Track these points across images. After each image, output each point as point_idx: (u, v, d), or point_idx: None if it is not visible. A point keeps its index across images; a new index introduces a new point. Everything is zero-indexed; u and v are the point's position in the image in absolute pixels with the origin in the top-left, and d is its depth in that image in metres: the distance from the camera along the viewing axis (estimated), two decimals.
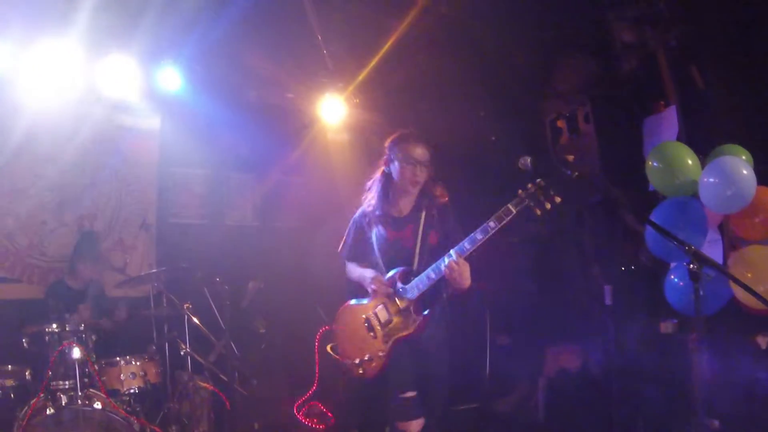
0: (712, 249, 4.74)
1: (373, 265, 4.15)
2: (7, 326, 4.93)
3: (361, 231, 4.24)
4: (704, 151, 4.70)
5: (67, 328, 4.57)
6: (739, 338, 4.91)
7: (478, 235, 3.76)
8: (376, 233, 4.17)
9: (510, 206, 3.69)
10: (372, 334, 4.06)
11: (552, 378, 6.02)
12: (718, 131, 5.00)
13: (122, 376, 4.86)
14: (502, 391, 6.19)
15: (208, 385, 5.35)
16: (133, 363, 4.92)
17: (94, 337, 4.69)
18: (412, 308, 3.98)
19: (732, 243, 4.79)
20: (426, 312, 3.97)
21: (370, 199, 4.22)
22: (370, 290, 4.11)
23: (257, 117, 6.01)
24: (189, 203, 5.78)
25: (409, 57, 6.01)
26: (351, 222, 4.31)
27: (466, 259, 3.83)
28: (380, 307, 4.06)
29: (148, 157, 5.58)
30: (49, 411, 4.30)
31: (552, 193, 3.64)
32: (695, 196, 4.52)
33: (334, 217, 6.36)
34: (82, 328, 4.61)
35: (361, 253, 4.24)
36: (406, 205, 4.15)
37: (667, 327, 5.21)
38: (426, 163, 4.06)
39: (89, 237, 5.42)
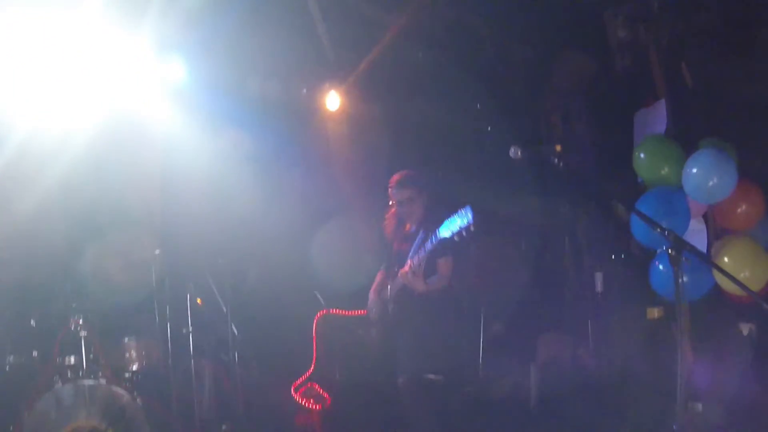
0: (697, 239, 4.90)
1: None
2: (14, 307, 5.05)
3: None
4: (690, 145, 4.86)
5: (73, 307, 4.73)
6: (721, 326, 5.08)
7: (428, 245, 4.57)
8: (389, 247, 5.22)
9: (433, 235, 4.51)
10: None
11: (544, 364, 6.17)
12: (704, 126, 5.18)
13: (126, 356, 5.03)
14: (495, 378, 6.33)
15: (209, 366, 5.51)
16: (137, 343, 5.10)
17: (99, 317, 4.84)
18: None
19: (716, 233, 4.96)
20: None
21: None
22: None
23: (260, 108, 6.14)
24: (193, 193, 5.90)
25: (408, 51, 6.16)
26: None
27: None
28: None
29: (152, 146, 5.71)
30: (56, 386, 4.45)
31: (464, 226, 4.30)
32: (679, 186, 4.69)
33: (332, 207, 6.54)
34: (88, 307, 4.77)
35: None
36: (413, 226, 5.02)
37: (653, 313, 5.37)
38: (405, 201, 4.94)
39: (93, 223, 5.55)
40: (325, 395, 6.10)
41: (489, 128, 6.24)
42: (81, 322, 4.68)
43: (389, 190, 5.02)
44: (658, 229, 3.23)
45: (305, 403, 6.00)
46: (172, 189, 5.87)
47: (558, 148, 3.22)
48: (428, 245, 4.56)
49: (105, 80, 5.22)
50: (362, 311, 5.34)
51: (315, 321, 5.60)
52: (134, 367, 5.04)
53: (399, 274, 4.82)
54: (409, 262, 4.72)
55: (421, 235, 4.82)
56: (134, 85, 5.38)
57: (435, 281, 4.77)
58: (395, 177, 5.01)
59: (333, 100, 6.62)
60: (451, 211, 4.43)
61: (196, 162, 5.60)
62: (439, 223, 4.50)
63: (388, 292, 5.01)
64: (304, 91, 6.52)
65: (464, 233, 4.31)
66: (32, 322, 4.94)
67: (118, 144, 5.42)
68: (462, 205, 4.36)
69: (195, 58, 5.66)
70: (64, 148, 5.27)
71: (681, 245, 3.16)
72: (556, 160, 3.33)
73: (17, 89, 5.06)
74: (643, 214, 3.28)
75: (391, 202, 5.07)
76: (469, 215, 4.28)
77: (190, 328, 5.37)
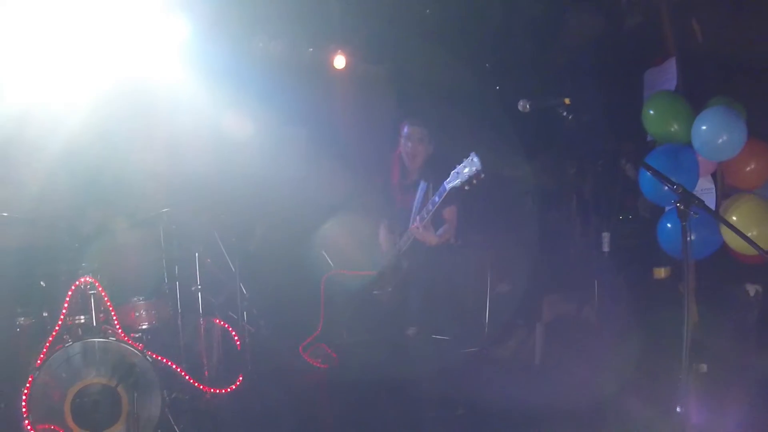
0: (706, 197, 4.88)
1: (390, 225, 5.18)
2: (23, 269, 5.07)
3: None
4: (700, 103, 4.83)
5: (83, 267, 4.76)
6: (728, 286, 5.09)
7: (436, 198, 4.56)
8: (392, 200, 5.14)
9: (444, 184, 4.46)
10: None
11: (549, 323, 6.20)
12: (714, 84, 5.13)
13: (135, 314, 5.07)
14: (502, 338, 6.38)
15: (219, 322, 5.55)
16: (146, 302, 5.13)
17: (108, 277, 4.87)
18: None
19: (725, 192, 4.95)
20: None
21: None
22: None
23: (266, 67, 6.11)
24: (198, 150, 5.89)
25: (416, 9, 6.09)
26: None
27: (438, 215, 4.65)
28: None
29: (158, 106, 5.68)
30: (66, 345, 4.48)
31: (474, 174, 4.27)
32: (689, 143, 4.67)
33: (339, 167, 6.52)
34: (96, 266, 4.79)
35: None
36: (412, 175, 5.04)
37: (659, 273, 5.38)
38: (416, 138, 4.95)
39: (100, 182, 5.56)
40: (333, 355, 6.16)
41: (497, 87, 6.19)
42: (90, 281, 4.69)
43: (402, 126, 5.03)
44: (667, 184, 3.22)
45: (313, 363, 6.06)
46: (178, 148, 5.85)
47: (567, 101, 3.17)
48: (436, 198, 4.56)
49: (110, 40, 5.18)
50: (370, 272, 5.36)
51: (322, 281, 5.62)
52: (144, 326, 5.08)
53: (411, 229, 4.82)
54: (417, 218, 4.74)
55: (422, 186, 4.85)
56: (139, 44, 5.33)
57: (443, 232, 4.83)
58: (412, 118, 5.06)
59: (339, 59, 6.59)
60: (453, 162, 4.43)
61: (202, 120, 5.58)
62: (441, 173, 4.51)
63: (399, 248, 5.00)
64: (310, 50, 6.47)
65: (474, 181, 4.30)
66: (42, 283, 4.96)
67: (123, 104, 5.38)
68: (465, 155, 4.37)
69: (200, 16, 5.61)
70: (69, 109, 5.25)
71: (690, 199, 3.15)
72: (565, 113, 3.30)
73: (22, 51, 5.04)
74: (653, 167, 3.26)
75: (401, 142, 5.05)
76: (476, 161, 4.27)
77: (199, 286, 5.41)
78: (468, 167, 4.31)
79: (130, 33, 5.28)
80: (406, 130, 5.03)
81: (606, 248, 5.78)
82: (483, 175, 4.24)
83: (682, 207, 3.14)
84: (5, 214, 4.83)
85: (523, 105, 3.33)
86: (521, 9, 6.12)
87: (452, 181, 4.41)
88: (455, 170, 4.39)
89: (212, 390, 5.18)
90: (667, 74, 5.47)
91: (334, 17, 6.21)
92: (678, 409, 3.44)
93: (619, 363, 5.31)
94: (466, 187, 4.33)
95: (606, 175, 6.03)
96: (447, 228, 4.85)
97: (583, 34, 6.01)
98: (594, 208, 6.23)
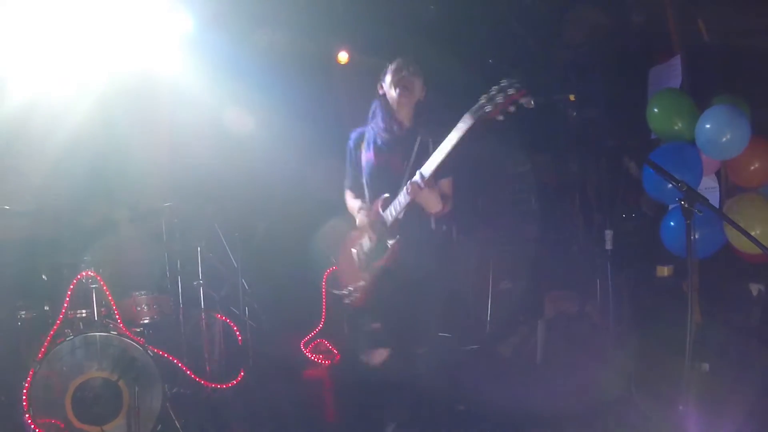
0: (710, 196, 4.88)
1: (362, 193, 4.20)
2: (25, 261, 5.07)
3: (350, 154, 4.27)
4: (705, 101, 4.81)
5: (84, 260, 4.76)
6: (732, 285, 5.07)
7: (455, 136, 3.62)
8: (364, 158, 4.17)
9: (467, 115, 3.57)
10: (357, 264, 4.17)
11: (550, 321, 6.19)
12: (719, 82, 5.11)
13: (137, 308, 5.07)
14: (504, 335, 6.37)
15: (220, 316, 5.55)
16: (147, 296, 5.13)
17: (110, 270, 4.87)
18: (387, 235, 3.95)
19: (728, 190, 4.93)
20: (395, 239, 3.90)
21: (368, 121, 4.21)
22: (357, 221, 4.18)
23: (268, 59, 6.10)
24: (201, 144, 5.89)
25: (420, 4, 6.08)
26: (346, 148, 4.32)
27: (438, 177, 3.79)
28: (365, 237, 4.12)
29: (160, 98, 5.68)
30: (67, 339, 4.48)
31: (514, 92, 3.43)
32: (693, 142, 4.66)
33: (341, 161, 6.50)
34: (98, 260, 4.79)
35: (355, 181, 4.26)
36: (400, 129, 4.06)
37: (662, 271, 5.36)
38: (408, 84, 4.00)
39: (103, 176, 5.56)
40: (334, 351, 6.17)
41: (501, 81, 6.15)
42: (92, 275, 4.69)
43: (392, 69, 4.06)
44: (672, 182, 3.22)
45: (314, 359, 6.07)
46: (181, 141, 5.85)
47: (572, 97, 3.15)
48: (455, 136, 3.62)
49: (113, 33, 5.19)
50: None
51: (324, 277, 5.61)
52: (145, 320, 5.08)
53: (408, 189, 3.79)
54: (418, 174, 3.76)
55: (419, 141, 3.94)
56: (143, 38, 5.34)
57: (444, 202, 3.95)
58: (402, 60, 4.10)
59: (342, 55, 6.59)
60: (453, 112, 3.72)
61: (205, 114, 5.57)
62: (441, 126, 3.73)
63: (388, 216, 3.94)
64: (314, 43, 6.46)
65: (515, 107, 3.45)
66: (43, 276, 4.97)
67: (127, 97, 5.40)
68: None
69: (203, 9, 5.61)
70: (72, 102, 5.26)
71: (694, 197, 3.15)
72: (569, 110, 3.29)
73: (25, 44, 5.04)
74: (657, 165, 3.26)
75: (382, 87, 4.14)
76: (516, 83, 3.44)
77: (201, 281, 5.40)
78: (503, 91, 3.46)
79: (134, 26, 5.29)
80: (393, 67, 4.06)
81: (609, 246, 5.76)
82: (531, 100, 3.42)
83: (686, 205, 3.14)
84: (7, 207, 4.83)
85: (527, 101, 3.31)
86: (525, 5, 6.10)
87: (479, 111, 3.53)
88: (483, 98, 3.53)
89: (214, 385, 5.19)
90: (672, 72, 5.44)
91: (338, 10, 6.20)
92: (680, 408, 3.45)
93: (621, 361, 5.31)
94: (500, 117, 3.47)
95: (609, 172, 6.00)
96: (445, 202, 3.93)
97: (588, 30, 5.99)
98: (597, 206, 6.21)
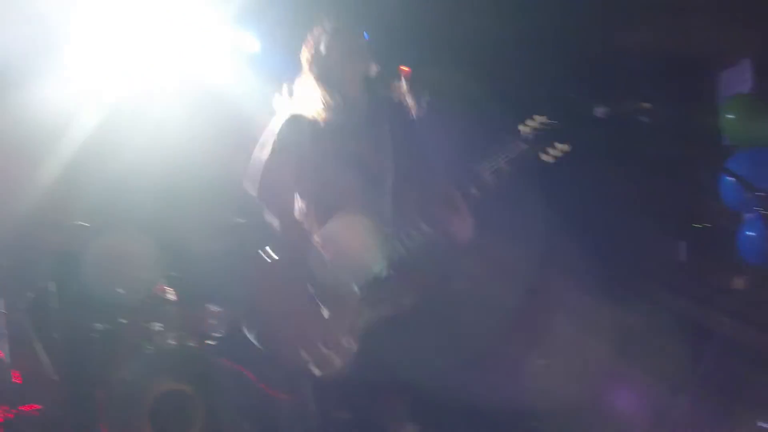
0: None
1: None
2: (101, 277, 5.20)
3: None
4: None
5: (160, 274, 4.88)
6: None
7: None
8: None
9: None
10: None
11: (620, 335, 6.05)
12: None
13: (209, 321, 5.15)
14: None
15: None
16: (219, 309, 5.21)
17: (184, 284, 4.98)
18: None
19: None
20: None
21: None
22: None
23: None
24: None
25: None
26: None
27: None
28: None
29: (231, 116, 5.78)
30: (143, 352, 4.59)
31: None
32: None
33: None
34: (173, 274, 4.90)
35: None
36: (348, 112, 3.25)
37: (740, 283, 5.22)
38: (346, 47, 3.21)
39: (175, 192, 5.69)
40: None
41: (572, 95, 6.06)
42: (167, 288, 4.80)
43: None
44: (751, 190, 3.13)
45: None
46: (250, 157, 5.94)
47: (646, 106, 3.09)
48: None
49: (185, 53, 5.34)
50: None
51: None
52: (217, 333, 5.16)
53: (438, 210, 2.85)
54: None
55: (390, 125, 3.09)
56: (213, 57, 5.47)
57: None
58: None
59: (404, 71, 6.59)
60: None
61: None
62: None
63: (394, 250, 2.91)
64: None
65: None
66: (119, 290, 5.10)
67: (196, 114, 5.52)
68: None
69: (270, 29, 5.72)
70: (142, 119, 5.41)
71: None
72: (643, 118, 3.24)
73: (97, 64, 5.22)
74: (736, 174, 3.18)
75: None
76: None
77: None
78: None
79: (203, 47, 5.43)
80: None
81: (682, 258, 5.63)
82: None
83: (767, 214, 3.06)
84: (85, 224, 4.99)
85: (600, 111, 3.27)
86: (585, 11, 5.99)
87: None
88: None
89: (283, 396, 5.22)
90: (742, 76, 5.32)
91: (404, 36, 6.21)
92: (763, 426, 3.34)
93: (697, 375, 5.17)
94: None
95: (680, 180, 5.87)
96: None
97: (651, 35, 5.87)
98: (668, 216, 6.07)
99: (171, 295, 4.83)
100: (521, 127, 2.99)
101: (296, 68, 5.66)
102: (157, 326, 4.83)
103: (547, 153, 3.00)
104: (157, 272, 4.97)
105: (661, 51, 5.90)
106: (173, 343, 4.64)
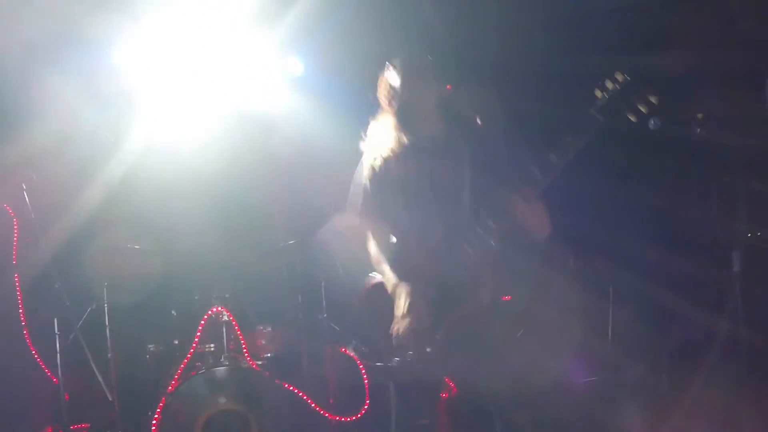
0: None
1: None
2: (155, 298, 5.27)
3: None
4: None
5: (214, 296, 4.92)
6: None
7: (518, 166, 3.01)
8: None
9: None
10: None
11: (675, 349, 5.95)
12: None
13: (262, 342, 5.19)
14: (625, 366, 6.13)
15: (344, 350, 5.58)
16: (271, 329, 5.26)
17: (237, 305, 5.01)
18: None
19: None
20: None
21: None
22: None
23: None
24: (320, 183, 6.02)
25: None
26: None
27: None
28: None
29: (279, 138, 5.86)
30: (198, 371, 4.61)
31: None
32: None
33: None
34: (227, 296, 4.94)
35: None
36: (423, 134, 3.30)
37: None
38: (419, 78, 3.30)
39: (227, 215, 5.74)
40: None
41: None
42: (221, 310, 4.84)
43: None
44: None
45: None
46: (299, 179, 5.99)
47: (700, 116, 3.04)
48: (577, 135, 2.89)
49: (232, 76, 5.43)
50: None
51: None
52: (270, 354, 5.18)
53: (514, 207, 2.87)
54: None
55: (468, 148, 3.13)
56: (259, 79, 5.56)
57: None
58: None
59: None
60: None
61: (321, 151, 5.69)
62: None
63: (462, 254, 2.97)
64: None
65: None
66: (173, 312, 5.16)
67: (244, 137, 5.59)
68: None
69: (314, 53, 5.79)
70: (193, 142, 5.50)
71: None
72: (698, 130, 3.19)
73: (147, 87, 5.32)
74: None
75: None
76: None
77: (325, 315, 5.47)
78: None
79: (249, 70, 5.52)
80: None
81: (736, 268, 5.50)
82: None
83: None
84: (137, 247, 5.06)
85: (654, 123, 3.24)
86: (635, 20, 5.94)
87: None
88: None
89: (338, 418, 5.20)
90: None
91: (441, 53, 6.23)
92: None
93: (756, 391, 5.05)
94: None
95: (733, 188, 5.76)
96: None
97: (700, 42, 5.80)
98: (721, 225, 5.95)
99: (224, 316, 4.84)
100: (597, 93, 2.93)
101: (341, 90, 5.80)
102: (210, 347, 4.85)
103: (634, 110, 2.93)
104: (210, 294, 4.99)
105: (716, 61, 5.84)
106: (226, 363, 4.64)
